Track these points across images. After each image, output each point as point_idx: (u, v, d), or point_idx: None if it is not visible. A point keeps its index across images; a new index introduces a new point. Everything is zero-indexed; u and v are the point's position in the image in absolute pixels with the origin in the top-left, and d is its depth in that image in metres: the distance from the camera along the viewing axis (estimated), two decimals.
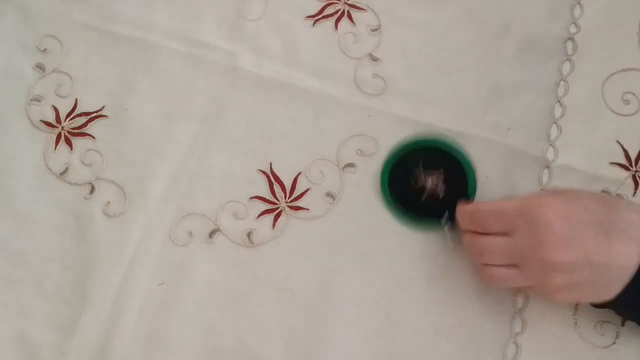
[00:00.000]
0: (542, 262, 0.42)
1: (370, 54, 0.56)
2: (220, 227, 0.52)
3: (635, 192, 0.50)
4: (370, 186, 0.53)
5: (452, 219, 0.49)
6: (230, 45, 0.57)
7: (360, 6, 0.58)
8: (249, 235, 0.52)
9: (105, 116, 0.55)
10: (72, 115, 0.55)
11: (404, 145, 0.52)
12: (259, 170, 0.53)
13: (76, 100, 0.56)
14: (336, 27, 0.57)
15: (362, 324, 0.49)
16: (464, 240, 0.48)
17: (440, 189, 0.50)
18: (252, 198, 0.53)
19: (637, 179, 0.51)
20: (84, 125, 0.55)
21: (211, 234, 0.52)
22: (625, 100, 0.53)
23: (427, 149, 0.52)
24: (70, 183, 0.54)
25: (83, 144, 0.55)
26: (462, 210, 0.48)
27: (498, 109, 0.54)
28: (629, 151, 0.52)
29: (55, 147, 0.54)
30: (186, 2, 0.58)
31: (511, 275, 0.44)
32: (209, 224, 0.52)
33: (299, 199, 0.52)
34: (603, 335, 0.47)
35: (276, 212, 0.52)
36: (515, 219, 0.43)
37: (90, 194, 0.53)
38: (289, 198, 0.52)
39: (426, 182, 0.51)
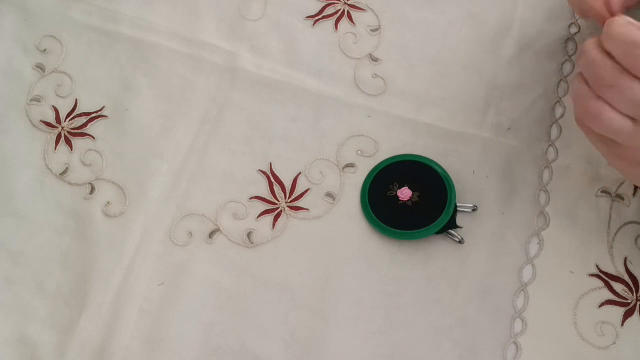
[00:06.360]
0: None
1: (370, 54, 0.56)
2: (220, 227, 0.52)
3: (635, 192, 0.50)
4: None
5: (448, 225, 0.49)
6: (229, 45, 0.57)
7: (360, 6, 0.58)
8: (249, 235, 0.52)
9: (105, 116, 0.55)
10: (72, 116, 0.55)
11: (378, 165, 0.52)
12: (259, 170, 0.53)
13: (76, 100, 0.56)
14: (336, 27, 0.57)
15: (362, 324, 0.49)
16: (589, 56, 0.39)
17: (414, 198, 0.50)
18: (252, 198, 0.53)
19: None
20: (84, 125, 0.55)
21: (211, 234, 0.52)
22: None
23: (402, 162, 0.52)
24: (70, 183, 0.54)
25: (83, 144, 0.55)
26: (621, 26, 0.38)
27: (498, 109, 0.54)
28: None
29: (55, 147, 0.55)
30: (186, 2, 0.58)
31: (621, 125, 0.38)
32: (209, 224, 0.52)
33: (299, 199, 0.52)
34: (603, 335, 0.47)
35: (276, 212, 0.52)
36: None
37: (90, 194, 0.53)
38: (288, 198, 0.53)
39: (401, 194, 0.51)
